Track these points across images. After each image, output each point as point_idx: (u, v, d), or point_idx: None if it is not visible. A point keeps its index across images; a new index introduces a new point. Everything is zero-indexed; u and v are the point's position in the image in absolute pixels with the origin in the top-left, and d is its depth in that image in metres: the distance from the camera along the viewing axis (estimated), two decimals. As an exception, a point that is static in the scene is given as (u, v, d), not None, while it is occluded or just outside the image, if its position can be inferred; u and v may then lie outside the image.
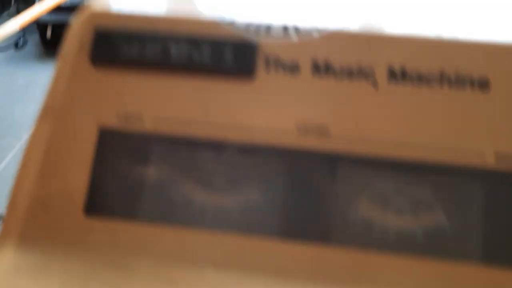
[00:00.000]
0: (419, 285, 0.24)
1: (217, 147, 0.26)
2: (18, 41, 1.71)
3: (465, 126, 0.24)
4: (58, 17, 1.67)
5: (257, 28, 0.26)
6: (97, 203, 0.26)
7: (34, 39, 1.75)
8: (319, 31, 0.26)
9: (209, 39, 0.26)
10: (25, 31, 1.65)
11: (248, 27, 0.26)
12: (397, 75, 0.25)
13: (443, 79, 0.25)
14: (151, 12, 0.27)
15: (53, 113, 0.26)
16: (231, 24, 0.26)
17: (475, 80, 0.25)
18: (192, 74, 0.26)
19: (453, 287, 0.24)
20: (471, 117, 0.24)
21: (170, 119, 0.26)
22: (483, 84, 0.25)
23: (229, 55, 0.26)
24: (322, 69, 0.25)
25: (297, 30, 0.26)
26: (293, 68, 0.26)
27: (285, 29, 0.26)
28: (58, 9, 1.67)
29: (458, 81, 0.25)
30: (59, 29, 1.70)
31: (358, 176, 0.25)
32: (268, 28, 0.26)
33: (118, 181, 0.26)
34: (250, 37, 0.26)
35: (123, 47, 0.26)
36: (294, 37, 0.26)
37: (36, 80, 1.57)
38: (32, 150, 0.26)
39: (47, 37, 1.67)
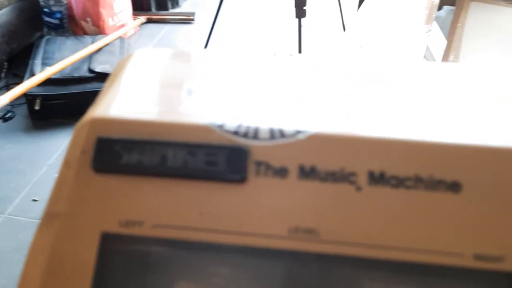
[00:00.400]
0: None
1: (213, 251, 0.27)
2: (6, 114, 1.73)
3: (442, 227, 0.26)
4: (47, 90, 1.71)
5: (246, 131, 0.28)
6: None
7: (22, 111, 1.77)
8: (302, 133, 0.28)
9: (203, 145, 0.28)
10: (13, 103, 1.68)
11: (237, 130, 0.29)
12: (377, 179, 0.27)
13: (418, 182, 0.27)
14: (149, 118, 0.29)
15: (57, 217, 0.28)
16: (221, 127, 0.29)
17: (448, 182, 0.27)
18: (188, 179, 0.28)
19: None
20: (447, 218, 0.27)
21: (169, 225, 0.27)
22: (455, 186, 0.27)
23: (222, 160, 0.28)
24: (308, 172, 0.28)
25: (282, 133, 0.28)
26: (281, 172, 0.28)
27: (272, 132, 0.28)
28: (47, 81, 1.71)
29: (432, 184, 0.27)
30: (48, 101, 1.73)
31: (348, 277, 0.27)
32: (256, 132, 0.28)
33: (120, 286, 0.27)
34: (241, 142, 0.28)
35: (123, 155, 0.28)
36: (280, 140, 0.28)
37: (23, 153, 1.58)
38: (36, 254, 0.27)
39: (36, 109, 1.70)
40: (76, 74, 1.76)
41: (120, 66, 0.35)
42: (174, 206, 0.28)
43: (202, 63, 0.35)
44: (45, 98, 1.70)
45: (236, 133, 0.29)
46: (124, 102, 0.31)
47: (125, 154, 0.28)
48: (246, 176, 0.28)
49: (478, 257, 0.26)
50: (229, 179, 0.28)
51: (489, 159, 0.27)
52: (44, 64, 1.81)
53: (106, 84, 0.34)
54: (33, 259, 0.27)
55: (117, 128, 0.29)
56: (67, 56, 1.78)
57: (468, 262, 0.26)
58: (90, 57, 1.84)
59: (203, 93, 0.32)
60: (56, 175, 0.29)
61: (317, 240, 0.27)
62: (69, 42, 1.97)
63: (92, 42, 1.92)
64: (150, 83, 0.33)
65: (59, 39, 1.99)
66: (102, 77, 1.75)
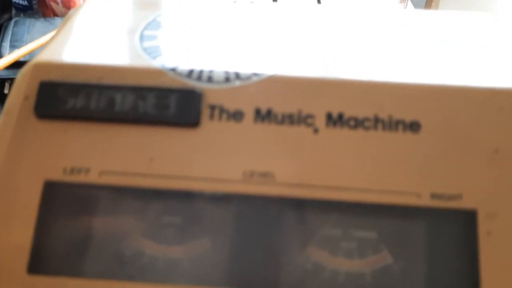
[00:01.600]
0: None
1: (163, 197, 0.26)
2: (-28, 98, 1.68)
3: (401, 167, 0.26)
4: (17, 73, 1.65)
5: (199, 75, 0.27)
6: (42, 261, 0.25)
7: (-11, 95, 1.71)
8: (258, 75, 0.27)
9: (154, 88, 0.27)
10: (-20, 87, 1.62)
11: (190, 73, 0.27)
12: (336, 120, 0.26)
13: (377, 122, 0.26)
14: (96, 62, 0.27)
15: (-5, 167, 0.26)
16: (174, 70, 0.27)
17: (407, 122, 0.26)
18: (137, 124, 0.26)
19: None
20: (405, 158, 0.26)
21: (117, 172, 0.26)
22: (413, 126, 0.26)
23: (174, 104, 0.26)
24: (264, 115, 0.26)
25: (237, 75, 0.27)
26: (236, 116, 0.27)
27: (227, 75, 0.27)
28: (16, 64, 1.65)
29: (391, 124, 0.26)
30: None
31: (304, 221, 0.26)
32: (210, 75, 0.27)
33: (63, 236, 0.25)
34: (194, 85, 0.27)
35: (68, 99, 0.26)
36: (235, 83, 0.27)
37: (-10, 137, 1.52)
38: (-28, 205, 0.25)
39: (5, 92, 1.64)
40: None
41: (71, 14, 0.33)
42: (123, 152, 0.26)
43: (157, 11, 0.34)
44: (13, 82, 1.65)
45: (189, 76, 0.27)
46: (70, 47, 0.29)
47: (70, 98, 0.26)
48: (199, 120, 0.26)
49: (436, 196, 0.25)
50: (181, 123, 0.26)
51: (447, 98, 0.26)
52: (13, 46, 1.74)
53: (55, 32, 0.32)
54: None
55: (62, 72, 0.27)
56: (37, 39, 1.73)
57: (426, 202, 0.25)
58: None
59: (155, 39, 0.30)
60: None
61: (273, 183, 0.26)
62: (39, 24, 1.90)
63: (62, 24, 1.86)
64: (99, 29, 0.31)
65: (28, 21, 1.92)
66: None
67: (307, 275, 0.25)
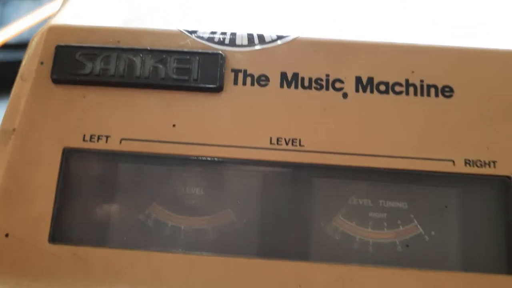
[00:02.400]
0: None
1: (187, 165, 0.25)
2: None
3: (433, 134, 0.25)
4: (5, 55, 1.62)
5: (222, 38, 0.26)
6: (63, 230, 0.24)
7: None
8: (283, 38, 0.26)
9: (174, 51, 0.25)
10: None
11: (212, 36, 0.26)
12: (365, 85, 0.25)
13: (409, 87, 0.25)
14: (113, 25, 0.26)
15: (12, 134, 0.25)
16: (195, 33, 0.26)
17: (439, 87, 0.25)
18: (158, 89, 0.25)
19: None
20: (437, 124, 0.25)
21: (138, 139, 0.25)
22: (446, 91, 0.25)
23: (196, 68, 0.25)
24: (290, 80, 0.25)
25: (261, 38, 0.26)
26: (261, 80, 0.25)
27: (250, 37, 0.26)
28: (4, 46, 1.62)
29: (423, 89, 0.25)
30: (6, 67, 1.65)
31: (334, 189, 0.25)
32: (232, 38, 0.26)
33: (84, 206, 0.24)
34: (216, 48, 0.26)
35: (85, 64, 0.25)
36: (259, 46, 0.26)
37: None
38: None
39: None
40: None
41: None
42: (144, 119, 0.25)
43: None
44: (2, 64, 1.62)
45: (211, 39, 0.26)
46: (86, 10, 0.28)
47: (88, 63, 0.25)
48: (223, 85, 0.25)
49: (469, 162, 0.24)
50: (204, 89, 0.25)
51: (480, 62, 0.25)
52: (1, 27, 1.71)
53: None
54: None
55: (79, 35, 0.26)
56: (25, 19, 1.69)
57: (460, 168, 0.24)
58: (49, 20, 1.75)
59: (174, 3, 0.29)
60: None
61: (301, 150, 0.25)
62: (26, 4, 1.87)
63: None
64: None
65: (15, 2, 1.89)
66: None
67: (336, 245, 0.25)
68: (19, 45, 1.70)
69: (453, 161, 0.24)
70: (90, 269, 0.23)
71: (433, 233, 0.25)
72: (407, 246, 0.24)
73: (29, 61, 0.26)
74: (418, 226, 0.25)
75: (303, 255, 0.24)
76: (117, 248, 0.24)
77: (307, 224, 0.25)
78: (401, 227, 0.25)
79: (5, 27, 1.60)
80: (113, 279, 0.23)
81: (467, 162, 0.24)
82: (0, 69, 1.62)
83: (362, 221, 0.25)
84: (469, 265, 0.24)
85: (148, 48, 0.25)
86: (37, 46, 0.26)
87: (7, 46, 1.59)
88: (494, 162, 0.24)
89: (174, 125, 0.25)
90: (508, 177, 0.24)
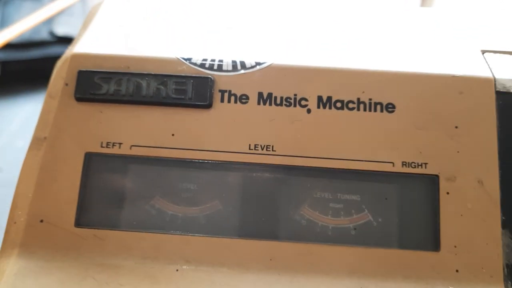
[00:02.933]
0: (352, 267, 0.30)
1: (183, 166, 0.31)
2: (-32, 79, 1.70)
3: (378, 141, 0.31)
4: (9, 54, 1.67)
5: (211, 64, 0.32)
6: (86, 217, 0.31)
7: (-17, 76, 1.73)
8: (261, 64, 0.32)
9: (173, 76, 0.32)
10: (-26, 69, 1.64)
11: (203, 63, 0.32)
12: (325, 103, 0.32)
13: (359, 104, 0.32)
14: (124, 53, 0.33)
15: (44, 141, 0.31)
16: (189, 60, 0.32)
17: (384, 104, 0.32)
18: (160, 106, 0.32)
19: (377, 266, 0.30)
20: (382, 133, 0.31)
21: (144, 145, 0.31)
22: (389, 107, 0.32)
23: (190, 89, 0.32)
24: (266, 98, 0.32)
25: (243, 64, 0.33)
26: (243, 99, 0.32)
27: (234, 64, 0.32)
28: (8, 46, 1.67)
29: (371, 106, 0.32)
30: (8, 66, 1.70)
31: (300, 185, 0.32)
32: (220, 64, 0.32)
33: (102, 197, 0.31)
34: (207, 73, 0.32)
35: (102, 85, 0.32)
36: (241, 71, 0.32)
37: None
38: (26, 173, 0.31)
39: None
40: (36, 37, 1.73)
41: (95, 9, 0.38)
42: (149, 129, 0.31)
43: (173, 4, 0.39)
44: (6, 63, 1.67)
45: (202, 65, 0.32)
46: (101, 39, 0.34)
47: (104, 84, 0.32)
48: (212, 103, 0.32)
49: (405, 164, 0.31)
50: (196, 105, 0.32)
51: (418, 84, 0.32)
52: (3, 26, 1.76)
53: (82, 25, 0.37)
54: (25, 177, 0.31)
55: (96, 62, 0.32)
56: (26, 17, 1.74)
57: (397, 168, 0.31)
58: (50, 19, 1.80)
59: (174, 30, 0.35)
60: (19, 142, 0.32)
61: (273, 154, 0.31)
62: (27, 4, 1.92)
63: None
64: (124, 21, 0.36)
65: (17, 2, 1.94)
66: (64, 41, 1.73)
67: (302, 229, 0.31)
68: (21, 45, 1.75)
69: (393, 163, 0.31)
70: (107, 247, 0.30)
71: (379, 219, 0.31)
72: (355, 229, 0.31)
73: (55, 82, 0.32)
74: (368, 214, 0.32)
75: (274, 236, 0.31)
76: (128, 231, 0.30)
77: (278, 212, 0.31)
78: (354, 215, 0.32)
79: (7, 27, 1.65)
80: (125, 254, 0.30)
81: (403, 164, 0.31)
82: (3, 68, 1.67)
83: (324, 210, 0.32)
84: (405, 244, 0.31)
85: (152, 73, 0.32)
86: (62, 69, 0.32)
87: (9, 46, 1.64)
88: (425, 163, 0.31)
89: (173, 135, 0.31)
90: (436, 175, 0.31)
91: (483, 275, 0.30)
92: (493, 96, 0.32)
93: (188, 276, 0.29)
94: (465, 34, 0.37)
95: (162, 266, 0.30)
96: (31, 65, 1.69)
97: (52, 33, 1.74)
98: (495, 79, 0.32)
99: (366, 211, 0.32)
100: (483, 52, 0.35)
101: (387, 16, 0.39)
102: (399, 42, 0.36)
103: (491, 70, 0.33)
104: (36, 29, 1.76)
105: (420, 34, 0.37)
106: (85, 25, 0.37)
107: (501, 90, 0.32)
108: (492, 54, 0.35)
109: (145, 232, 0.30)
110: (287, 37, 0.35)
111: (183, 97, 0.32)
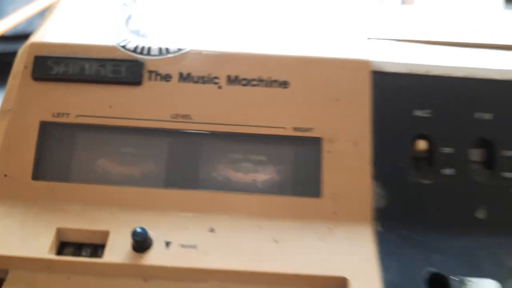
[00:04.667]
0: (253, 210, 0.38)
1: (119, 132, 0.39)
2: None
3: (275, 110, 0.39)
4: (3, 46, 1.74)
5: (141, 50, 0.40)
6: (41, 172, 0.39)
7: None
8: (182, 50, 0.40)
9: (111, 59, 0.40)
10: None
11: (135, 49, 0.40)
12: (233, 80, 0.40)
13: (261, 81, 0.40)
14: (72, 42, 0.40)
15: (8, 113, 0.39)
16: (124, 47, 0.40)
17: (280, 81, 0.40)
18: (100, 83, 0.39)
19: (273, 210, 0.38)
20: (278, 104, 0.39)
21: (88, 115, 0.39)
22: (284, 84, 0.40)
23: (125, 70, 0.40)
24: (185, 77, 0.40)
25: (167, 50, 0.40)
26: (166, 78, 0.40)
27: (160, 49, 0.40)
28: (2, 38, 1.73)
29: (270, 83, 0.40)
30: (5, 58, 1.76)
31: (215, 147, 0.40)
32: (148, 49, 0.40)
33: (55, 157, 0.39)
34: (138, 57, 0.40)
35: (53, 67, 0.39)
36: (166, 55, 0.40)
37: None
38: (-6, 138, 0.39)
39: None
40: (30, 30, 1.79)
41: (54, 4, 0.45)
42: (91, 102, 0.39)
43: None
44: (-1, 55, 1.73)
45: (134, 51, 0.40)
46: (55, 30, 0.42)
47: (55, 67, 0.40)
48: (142, 81, 0.40)
49: (296, 129, 0.39)
50: (129, 83, 0.40)
51: (308, 64, 0.40)
52: (-1, 18, 1.82)
53: (46, 13, 0.44)
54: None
55: (49, 49, 0.40)
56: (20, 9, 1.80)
57: (289, 132, 0.39)
58: (44, 12, 1.87)
59: (113, 21, 0.43)
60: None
61: (191, 121, 0.39)
62: (22, -4, 1.98)
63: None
64: (75, 15, 0.44)
65: (12, -6, 2.00)
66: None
67: (218, 182, 0.39)
68: (15, 37, 1.80)
69: (285, 128, 0.39)
70: (58, 196, 0.38)
71: (280, 174, 0.39)
72: (258, 181, 0.39)
73: (17, 66, 0.40)
74: (274, 171, 0.40)
75: (195, 186, 0.39)
76: (74, 183, 0.38)
77: (198, 169, 0.39)
78: (262, 172, 0.40)
79: (1, 20, 1.71)
80: (71, 201, 0.38)
81: (295, 129, 0.39)
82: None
83: (237, 167, 0.39)
84: (295, 192, 0.39)
85: (94, 58, 0.40)
86: (22, 55, 0.40)
87: (3, 38, 1.71)
88: (311, 128, 0.39)
89: (110, 106, 0.39)
90: (320, 138, 0.39)
91: (356, 216, 0.38)
92: (368, 75, 0.40)
93: (121, 217, 0.37)
94: (358, 23, 0.45)
95: (101, 210, 0.38)
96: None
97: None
98: (371, 61, 0.40)
99: (273, 168, 0.40)
100: (369, 39, 0.43)
101: (300, 5, 0.47)
102: (301, 29, 0.43)
103: (369, 54, 0.41)
104: (30, 21, 1.83)
105: (320, 23, 0.44)
106: (44, 19, 0.44)
107: (376, 70, 0.40)
108: (375, 40, 0.43)
109: (88, 184, 0.38)
110: (208, 25, 0.43)
111: (118, 76, 0.40)
